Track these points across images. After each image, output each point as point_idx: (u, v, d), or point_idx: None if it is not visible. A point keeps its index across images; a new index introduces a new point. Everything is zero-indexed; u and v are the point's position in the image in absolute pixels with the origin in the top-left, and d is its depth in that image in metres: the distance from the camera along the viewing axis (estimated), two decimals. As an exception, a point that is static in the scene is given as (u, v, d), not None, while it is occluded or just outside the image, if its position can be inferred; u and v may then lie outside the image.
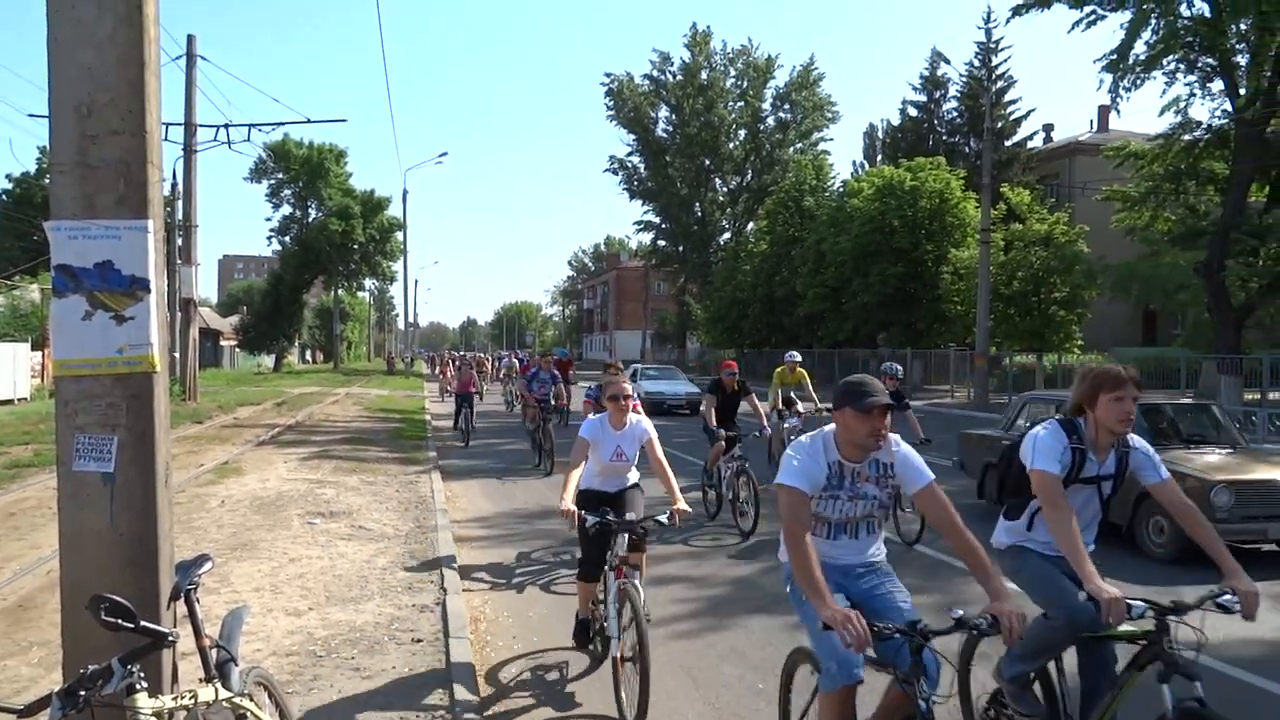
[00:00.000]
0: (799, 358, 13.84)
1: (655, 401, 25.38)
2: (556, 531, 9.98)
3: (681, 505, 5.41)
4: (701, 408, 10.91)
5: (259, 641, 5.79)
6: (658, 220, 65.10)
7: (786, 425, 13.02)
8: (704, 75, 61.85)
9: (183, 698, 2.96)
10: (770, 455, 12.97)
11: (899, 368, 10.83)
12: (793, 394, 13.53)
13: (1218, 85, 24.21)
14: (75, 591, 3.34)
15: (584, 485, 5.87)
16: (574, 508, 5.27)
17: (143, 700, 2.69)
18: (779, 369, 13.81)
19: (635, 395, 5.67)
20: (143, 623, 2.79)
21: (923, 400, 30.26)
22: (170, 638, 2.92)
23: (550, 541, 9.48)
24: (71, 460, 3.41)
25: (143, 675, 2.71)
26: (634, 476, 6.14)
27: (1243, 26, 22.43)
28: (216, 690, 3.15)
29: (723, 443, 10.25)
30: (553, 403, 15.79)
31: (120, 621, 2.74)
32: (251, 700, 3.35)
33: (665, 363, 48.01)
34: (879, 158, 51.41)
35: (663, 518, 5.33)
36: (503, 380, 32.83)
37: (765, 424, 11.39)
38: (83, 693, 2.54)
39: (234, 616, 3.75)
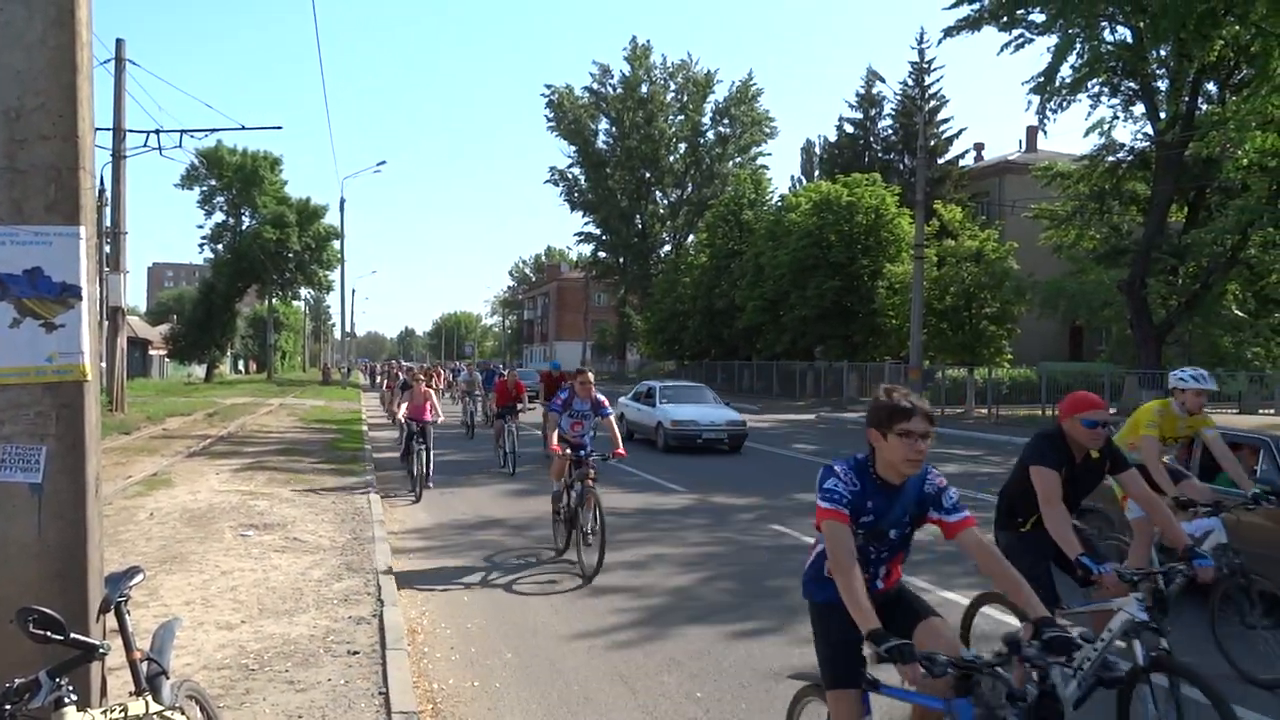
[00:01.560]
0: (1212, 383, 6.48)
1: (687, 436, 18.57)
2: (495, 542, 9.95)
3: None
4: (1043, 498, 4.44)
5: (190, 655, 5.68)
6: (598, 232, 65.32)
7: (1198, 533, 5.98)
8: (644, 88, 62.32)
9: (112, 711, 2.92)
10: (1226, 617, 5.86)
11: None
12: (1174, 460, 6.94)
13: (1139, 109, 25.24)
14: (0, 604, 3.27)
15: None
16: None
17: (71, 714, 2.64)
18: (1153, 405, 6.68)
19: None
20: (73, 635, 2.75)
21: (858, 413, 30.72)
22: (101, 649, 2.88)
23: (489, 551, 9.44)
24: (-3, 471, 3.33)
25: (71, 688, 2.66)
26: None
27: (1162, 52, 23.37)
28: (147, 704, 3.10)
29: (1137, 602, 4.20)
30: (595, 455, 9.16)
31: (49, 634, 2.69)
32: (183, 714, 3.31)
33: (605, 374, 47.38)
34: (816, 173, 52.33)
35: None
36: (460, 398, 27.04)
37: (1176, 531, 4.73)
38: (8, 707, 2.50)
39: (165, 629, 3.69)
